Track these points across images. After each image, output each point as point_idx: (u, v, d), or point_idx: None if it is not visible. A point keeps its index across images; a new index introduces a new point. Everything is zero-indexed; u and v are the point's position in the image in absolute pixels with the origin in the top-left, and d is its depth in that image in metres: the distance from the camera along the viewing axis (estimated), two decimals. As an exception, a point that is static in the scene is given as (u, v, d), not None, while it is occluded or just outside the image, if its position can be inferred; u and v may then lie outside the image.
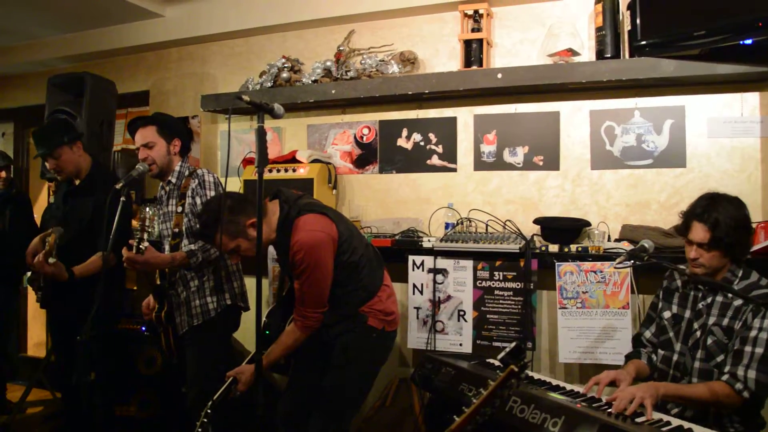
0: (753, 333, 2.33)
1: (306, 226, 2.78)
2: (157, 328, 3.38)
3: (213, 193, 3.28)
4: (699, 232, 2.45)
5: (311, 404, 3.01)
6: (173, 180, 3.37)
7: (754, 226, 3.11)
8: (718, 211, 2.42)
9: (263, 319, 3.20)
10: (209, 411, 2.80)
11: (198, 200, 3.28)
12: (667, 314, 2.67)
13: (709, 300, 2.51)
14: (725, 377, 2.32)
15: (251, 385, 2.86)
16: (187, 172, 3.39)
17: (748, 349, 2.31)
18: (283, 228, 2.82)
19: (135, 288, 5.20)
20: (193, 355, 3.34)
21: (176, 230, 3.28)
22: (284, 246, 2.83)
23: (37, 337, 5.97)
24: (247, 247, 2.82)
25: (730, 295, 2.44)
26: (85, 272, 3.50)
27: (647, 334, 2.75)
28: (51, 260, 3.26)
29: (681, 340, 2.58)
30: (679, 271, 2.54)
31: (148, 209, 3.10)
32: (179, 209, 3.31)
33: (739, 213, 2.44)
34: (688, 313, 2.57)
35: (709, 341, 2.45)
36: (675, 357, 2.58)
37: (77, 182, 3.72)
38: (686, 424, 2.10)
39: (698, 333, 2.50)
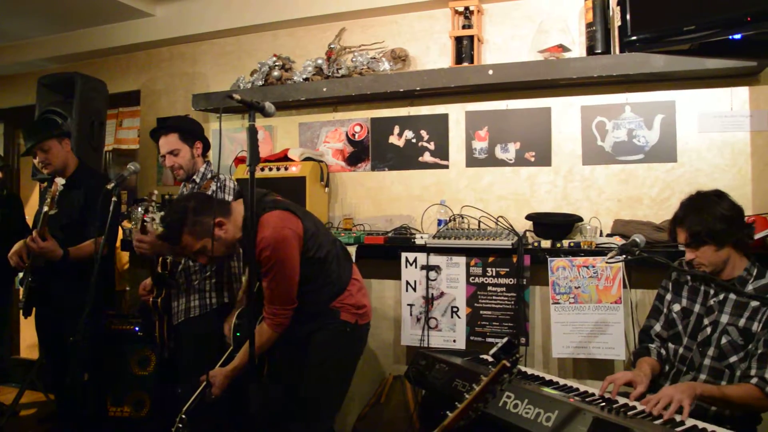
0: None
1: (271, 223, 2.78)
2: (152, 314, 3.37)
3: (231, 198, 3.37)
4: (681, 235, 2.52)
5: (291, 406, 3.02)
6: (197, 180, 3.49)
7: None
8: (693, 209, 2.49)
9: (234, 320, 3.16)
10: (183, 416, 2.79)
11: None
12: (676, 307, 2.67)
13: (721, 297, 2.51)
14: (754, 380, 2.29)
15: (225, 388, 2.83)
16: (210, 175, 3.52)
17: None
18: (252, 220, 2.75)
19: (127, 288, 5.19)
20: (187, 346, 3.35)
21: None
22: (250, 241, 2.74)
23: (29, 339, 5.93)
24: (214, 247, 2.79)
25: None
26: (79, 254, 3.54)
27: (657, 327, 2.74)
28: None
29: (689, 335, 2.58)
30: (674, 268, 2.55)
31: (140, 209, 3.10)
32: None
33: (717, 205, 2.46)
34: (698, 308, 2.57)
35: (723, 340, 2.44)
36: (681, 350, 2.58)
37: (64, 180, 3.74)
38: (678, 417, 2.11)
39: (708, 329, 2.50)
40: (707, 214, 2.44)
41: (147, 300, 3.40)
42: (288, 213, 2.87)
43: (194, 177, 3.48)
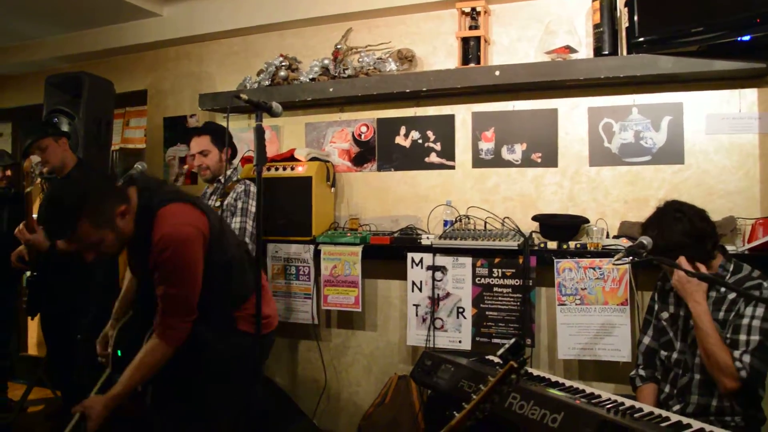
0: (745, 321, 2.37)
1: (172, 218, 2.38)
2: None
3: (252, 202, 3.48)
4: None
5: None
6: (222, 180, 3.69)
7: (752, 222, 3.15)
8: (652, 225, 2.58)
9: (113, 338, 2.74)
10: None
11: (239, 203, 3.58)
12: (664, 315, 2.69)
13: None
14: (737, 364, 2.33)
15: (104, 421, 2.32)
16: (235, 178, 3.76)
17: (742, 337, 2.35)
18: (143, 220, 2.39)
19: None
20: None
21: None
22: (142, 242, 2.40)
23: (37, 336, 5.96)
24: (112, 241, 2.35)
25: (722, 289, 2.48)
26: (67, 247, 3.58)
27: (646, 339, 2.78)
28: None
29: (680, 339, 2.60)
30: (676, 267, 2.55)
31: None
32: (217, 203, 3.59)
33: (678, 223, 2.50)
34: (683, 311, 2.59)
35: None
36: (675, 355, 2.59)
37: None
38: (685, 420, 2.11)
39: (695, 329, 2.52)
40: (667, 230, 2.49)
41: None
42: (191, 207, 2.47)
43: (220, 178, 3.68)
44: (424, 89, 3.82)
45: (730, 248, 2.91)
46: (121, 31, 5.07)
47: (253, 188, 3.61)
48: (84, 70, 4.46)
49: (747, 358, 2.31)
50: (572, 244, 3.42)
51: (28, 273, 3.69)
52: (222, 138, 3.64)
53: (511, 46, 3.86)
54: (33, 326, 5.89)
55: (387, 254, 3.90)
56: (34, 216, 3.42)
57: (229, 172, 3.75)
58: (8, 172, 4.83)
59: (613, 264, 2.80)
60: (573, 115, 3.71)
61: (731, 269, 2.53)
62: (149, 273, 2.42)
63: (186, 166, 4.93)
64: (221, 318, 2.58)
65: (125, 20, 4.98)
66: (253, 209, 3.61)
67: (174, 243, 2.33)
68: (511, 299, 3.56)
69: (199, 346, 2.50)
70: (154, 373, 2.42)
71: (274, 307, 2.88)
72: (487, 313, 3.62)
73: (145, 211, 2.39)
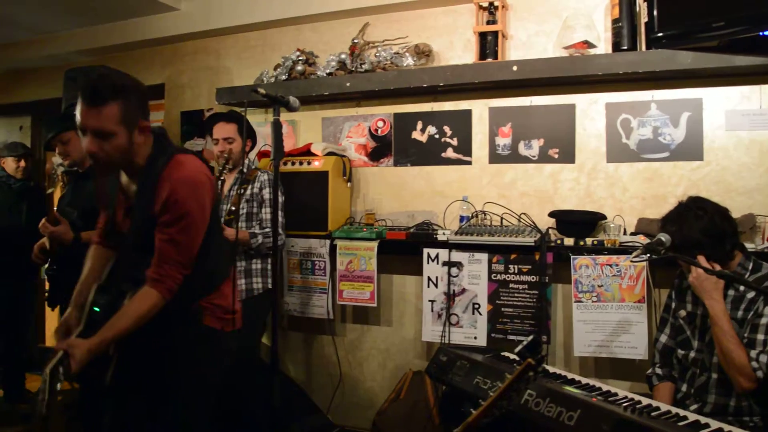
0: (764, 320, 2.34)
1: (190, 164, 2.30)
2: None
3: (279, 191, 3.46)
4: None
5: None
6: (244, 170, 3.74)
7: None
8: (671, 220, 2.54)
9: (90, 296, 2.42)
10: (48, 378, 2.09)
11: (266, 193, 3.70)
12: (682, 313, 2.67)
13: None
14: (753, 364, 2.31)
15: (85, 365, 2.12)
16: (254, 166, 3.86)
17: (760, 337, 2.32)
18: (156, 160, 2.29)
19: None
20: None
21: (233, 208, 3.59)
22: (148, 186, 2.27)
23: (55, 328, 6.03)
24: (122, 145, 2.20)
25: (741, 288, 2.45)
26: (90, 238, 3.61)
27: (663, 337, 2.76)
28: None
29: (698, 337, 2.57)
30: (694, 264, 2.53)
31: None
32: (241, 191, 3.67)
33: (699, 220, 2.46)
34: (701, 310, 2.56)
35: None
36: (693, 354, 2.57)
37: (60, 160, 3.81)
38: (703, 419, 2.09)
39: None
40: (686, 227, 2.46)
41: None
42: (205, 165, 2.39)
43: (241, 167, 3.72)
44: (441, 84, 3.81)
45: (749, 246, 2.88)
46: (139, 25, 5.09)
47: (270, 178, 3.71)
48: (103, 64, 4.48)
49: (764, 358, 2.28)
50: (589, 240, 3.41)
51: (46, 266, 3.72)
52: (248, 129, 3.71)
53: (529, 40, 3.84)
54: (51, 317, 5.95)
55: (403, 250, 3.90)
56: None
57: (247, 161, 3.81)
58: (22, 163, 4.89)
59: (631, 261, 2.80)
60: (591, 111, 3.69)
61: (750, 267, 2.50)
62: (143, 225, 2.27)
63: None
64: (182, 305, 2.34)
65: (143, 14, 5.01)
66: (281, 198, 3.68)
67: (191, 185, 2.26)
68: (527, 296, 3.55)
69: (156, 338, 2.30)
70: (142, 324, 2.20)
71: (239, 307, 2.59)
72: (502, 309, 3.61)
73: (160, 151, 2.30)
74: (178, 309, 2.31)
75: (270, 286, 3.64)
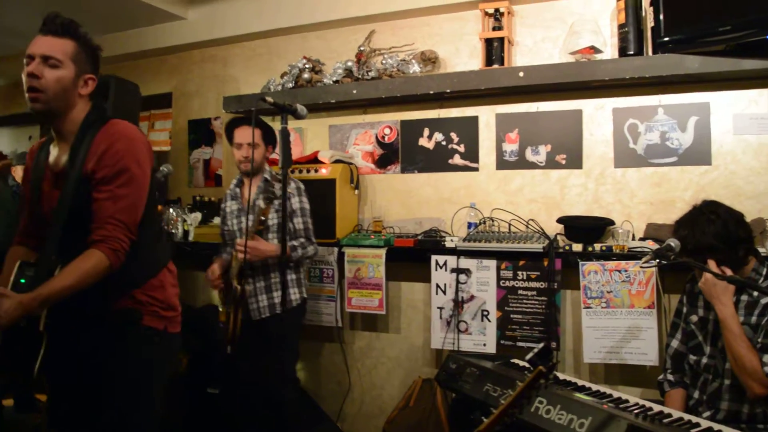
0: None
1: (127, 124, 2.19)
2: (237, 299, 3.47)
3: (306, 199, 3.61)
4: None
5: None
6: (269, 178, 3.67)
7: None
8: (685, 224, 2.53)
9: (14, 273, 2.15)
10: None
11: (294, 202, 3.62)
12: (693, 318, 2.65)
13: (734, 299, 2.48)
14: (767, 369, 2.30)
15: (13, 321, 1.89)
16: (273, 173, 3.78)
17: None
18: (91, 124, 2.15)
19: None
20: (268, 342, 3.53)
21: (262, 218, 3.46)
22: (82, 147, 2.10)
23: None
24: (65, 84, 2.12)
25: (756, 293, 2.43)
26: None
27: (674, 343, 2.74)
28: None
29: (710, 343, 2.55)
30: (704, 268, 2.51)
31: (171, 210, 3.16)
32: (268, 199, 3.55)
33: (711, 224, 2.45)
34: (713, 315, 2.54)
35: None
36: (705, 360, 2.55)
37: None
38: (716, 426, 2.08)
39: None
40: (699, 231, 2.46)
41: (220, 286, 3.57)
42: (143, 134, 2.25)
43: (265, 175, 3.67)
44: (448, 91, 3.81)
45: (759, 250, 2.86)
46: (147, 35, 5.12)
47: (301, 185, 3.71)
48: (111, 74, 4.50)
49: None
50: (597, 246, 3.39)
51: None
52: (272, 137, 3.71)
53: (535, 46, 3.84)
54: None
55: (411, 257, 3.90)
56: None
57: (268, 169, 3.75)
58: None
59: (641, 266, 2.77)
60: (598, 116, 3.68)
61: (765, 273, 2.49)
62: (76, 190, 2.07)
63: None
64: (126, 283, 2.16)
65: (150, 24, 5.04)
66: (307, 206, 3.69)
67: (129, 139, 2.12)
68: (536, 302, 3.54)
69: (91, 342, 2.12)
70: (87, 284, 1.99)
71: (178, 300, 2.37)
72: (511, 316, 3.60)
73: (96, 116, 2.18)
74: (116, 294, 2.12)
75: (305, 295, 3.72)
